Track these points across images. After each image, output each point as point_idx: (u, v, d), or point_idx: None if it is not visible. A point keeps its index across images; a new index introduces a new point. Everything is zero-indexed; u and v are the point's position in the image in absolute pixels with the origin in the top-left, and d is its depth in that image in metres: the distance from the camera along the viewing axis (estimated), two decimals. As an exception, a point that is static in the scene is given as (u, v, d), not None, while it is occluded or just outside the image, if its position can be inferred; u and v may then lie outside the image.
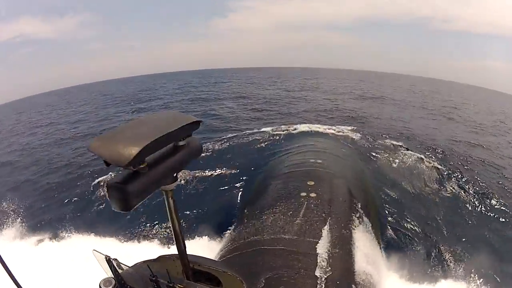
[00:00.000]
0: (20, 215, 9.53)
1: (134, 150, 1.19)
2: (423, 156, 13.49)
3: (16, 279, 1.39)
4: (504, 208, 10.24)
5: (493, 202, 10.50)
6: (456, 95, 58.98)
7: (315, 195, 7.61)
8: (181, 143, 1.54)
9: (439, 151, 14.77)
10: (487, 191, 11.20)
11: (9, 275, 1.34)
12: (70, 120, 27.96)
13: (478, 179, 12.19)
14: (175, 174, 1.54)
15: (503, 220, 9.72)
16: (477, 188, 11.33)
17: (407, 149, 14.33)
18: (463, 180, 11.85)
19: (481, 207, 10.28)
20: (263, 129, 16.72)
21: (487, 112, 35.90)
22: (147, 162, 1.29)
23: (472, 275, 7.06)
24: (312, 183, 8.28)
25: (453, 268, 7.43)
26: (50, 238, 8.39)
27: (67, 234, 8.42)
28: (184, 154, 1.55)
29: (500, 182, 12.37)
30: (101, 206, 10.16)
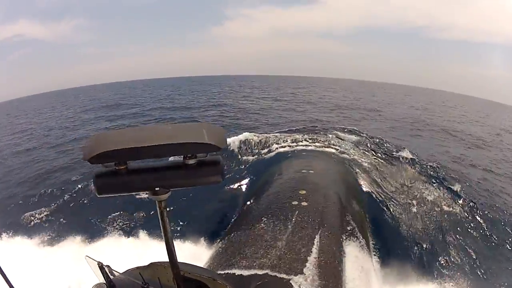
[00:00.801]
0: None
1: (96, 150, 1.28)
2: (418, 168, 13.79)
3: (12, 283, 1.46)
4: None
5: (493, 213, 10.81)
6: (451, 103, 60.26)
7: (306, 204, 7.75)
8: (190, 161, 1.44)
9: (434, 164, 15.05)
10: (484, 201, 11.59)
11: (5, 280, 1.42)
12: (49, 125, 28.14)
13: (469, 183, 12.61)
14: (158, 188, 1.49)
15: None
16: (471, 197, 11.74)
17: (403, 161, 14.59)
18: (459, 190, 12.15)
19: (475, 216, 10.60)
20: (254, 137, 16.91)
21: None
22: (128, 165, 1.39)
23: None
24: (304, 192, 8.43)
25: (447, 280, 7.62)
26: (41, 243, 8.40)
27: (57, 240, 8.46)
28: (185, 174, 1.47)
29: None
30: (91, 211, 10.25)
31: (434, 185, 12.49)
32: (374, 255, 7.90)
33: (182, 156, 1.46)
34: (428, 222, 10.05)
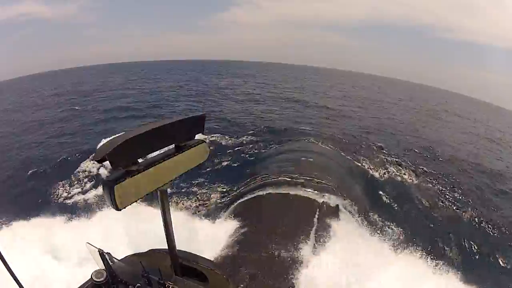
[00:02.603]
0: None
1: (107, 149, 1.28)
2: (415, 171, 13.90)
3: (15, 273, 1.53)
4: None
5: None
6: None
7: (303, 192, 7.92)
8: (181, 144, 1.63)
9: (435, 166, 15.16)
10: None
11: (8, 270, 1.49)
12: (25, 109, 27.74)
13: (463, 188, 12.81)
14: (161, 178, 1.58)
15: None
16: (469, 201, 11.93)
17: (400, 164, 14.62)
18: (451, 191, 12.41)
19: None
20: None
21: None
22: (139, 163, 1.42)
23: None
24: (302, 180, 8.56)
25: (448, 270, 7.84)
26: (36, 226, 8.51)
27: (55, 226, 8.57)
28: (182, 157, 1.61)
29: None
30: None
31: (433, 185, 12.78)
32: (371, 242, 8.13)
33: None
34: (428, 218, 10.32)
